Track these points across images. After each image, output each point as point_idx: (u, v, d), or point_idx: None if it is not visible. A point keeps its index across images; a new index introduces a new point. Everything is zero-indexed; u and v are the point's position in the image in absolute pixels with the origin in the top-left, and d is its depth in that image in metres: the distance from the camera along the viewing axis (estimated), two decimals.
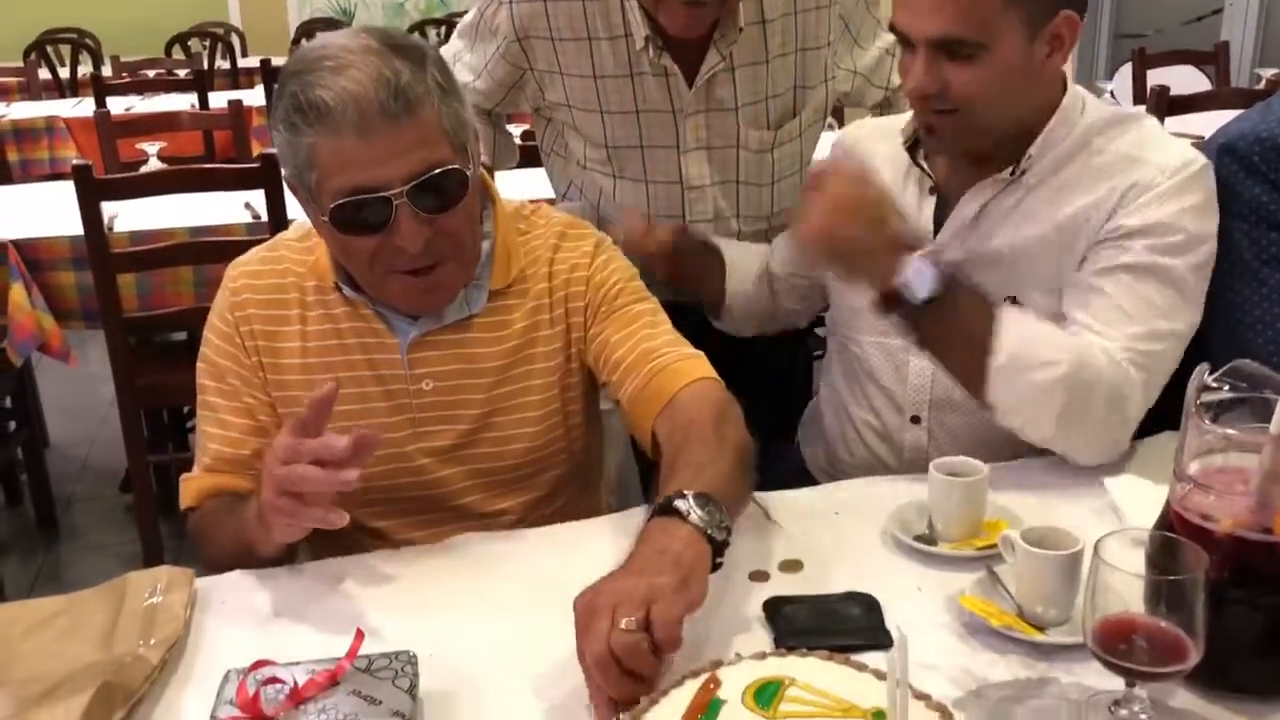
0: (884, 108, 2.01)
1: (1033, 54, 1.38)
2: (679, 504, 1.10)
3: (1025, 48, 1.37)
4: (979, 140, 1.45)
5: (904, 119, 1.55)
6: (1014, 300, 1.44)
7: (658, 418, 1.34)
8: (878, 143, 1.61)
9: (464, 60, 1.90)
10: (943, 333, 1.37)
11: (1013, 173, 1.45)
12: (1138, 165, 1.41)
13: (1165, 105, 3.24)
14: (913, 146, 1.54)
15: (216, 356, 1.41)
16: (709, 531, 1.09)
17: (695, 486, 1.12)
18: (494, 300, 1.41)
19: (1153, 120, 1.50)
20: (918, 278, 1.32)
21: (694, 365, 1.38)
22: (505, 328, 1.41)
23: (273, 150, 2.65)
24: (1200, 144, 1.52)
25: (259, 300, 1.40)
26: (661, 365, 1.37)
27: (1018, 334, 1.35)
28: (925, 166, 1.53)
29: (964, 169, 1.49)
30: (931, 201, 1.53)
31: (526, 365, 1.42)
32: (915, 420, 1.57)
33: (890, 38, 1.87)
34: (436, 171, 1.24)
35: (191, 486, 1.41)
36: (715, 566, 1.10)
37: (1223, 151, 1.48)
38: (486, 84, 1.89)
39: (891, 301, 1.36)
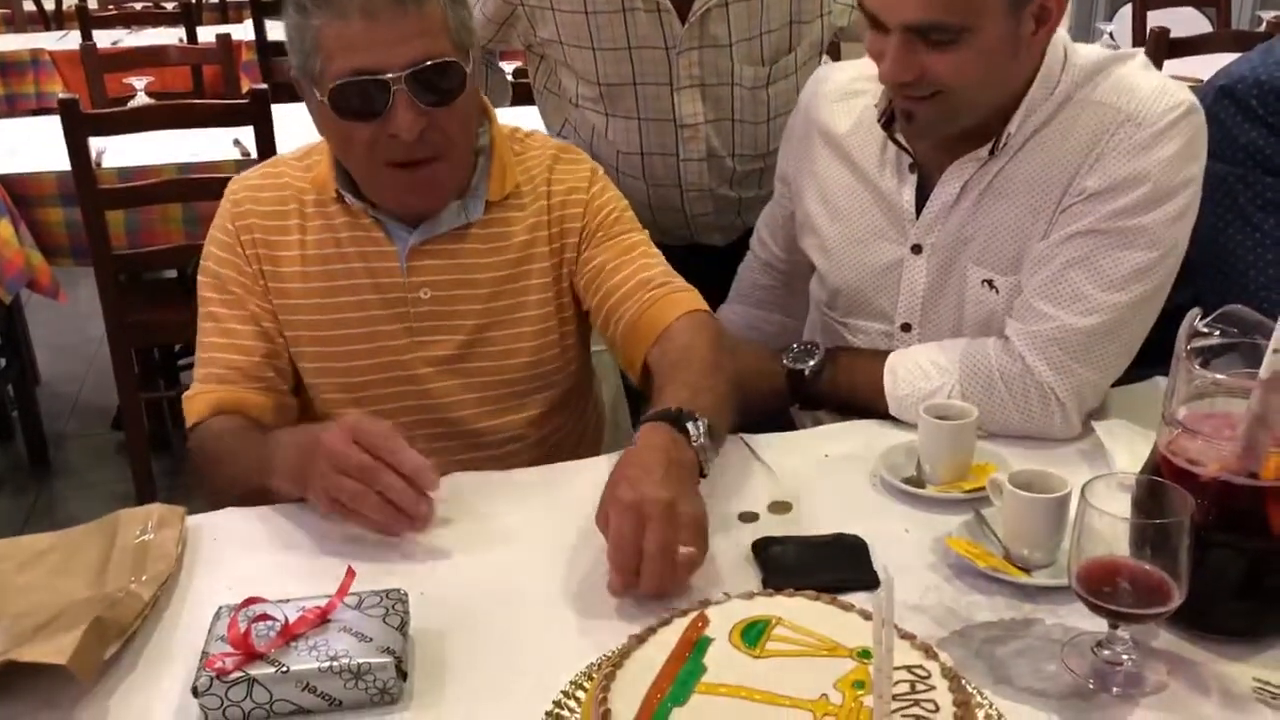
0: None
1: (1019, 32, 1.29)
2: (690, 426, 1.16)
3: (1010, 25, 1.28)
4: (962, 123, 1.38)
5: (870, 79, 1.45)
6: (989, 284, 1.42)
7: (652, 346, 1.37)
8: (841, 113, 1.54)
9: None
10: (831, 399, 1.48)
11: (992, 150, 1.39)
12: (1109, 117, 1.34)
13: (1165, 47, 3.21)
14: (888, 123, 1.45)
15: (218, 267, 1.42)
16: (704, 459, 1.17)
17: (696, 407, 1.19)
18: (490, 212, 1.43)
19: (1139, 60, 1.39)
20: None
21: (690, 298, 1.42)
22: (503, 239, 1.43)
23: (262, 86, 2.63)
24: (1198, 86, 1.50)
25: (260, 211, 1.42)
26: (659, 295, 1.41)
27: (896, 380, 1.41)
28: (903, 143, 1.45)
29: (944, 143, 1.42)
30: (913, 180, 1.46)
31: (524, 280, 1.44)
32: None
33: None
34: (436, 61, 1.26)
35: (200, 401, 1.39)
36: None
37: (1221, 94, 1.47)
38: (477, 20, 1.86)
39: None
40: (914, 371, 1.42)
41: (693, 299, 1.42)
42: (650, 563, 1.03)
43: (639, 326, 1.39)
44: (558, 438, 1.52)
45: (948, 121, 1.37)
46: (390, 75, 1.25)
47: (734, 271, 1.86)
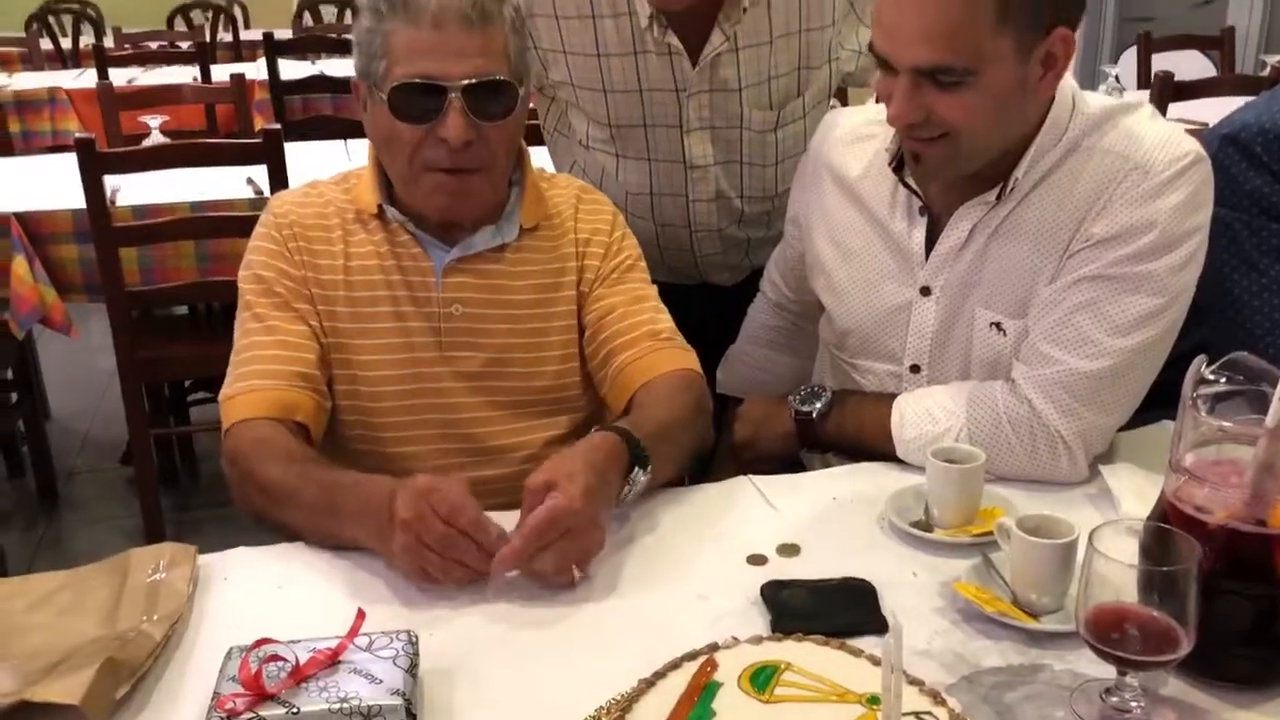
0: None
1: (1026, 76, 1.30)
2: (637, 469, 1.27)
3: (1018, 70, 1.29)
4: (970, 166, 1.39)
5: (880, 124, 1.46)
6: (998, 327, 1.43)
7: (641, 387, 1.45)
8: (852, 156, 1.55)
9: None
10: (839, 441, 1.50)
11: (999, 194, 1.40)
12: (1118, 165, 1.35)
13: (1169, 91, 3.24)
14: (899, 167, 1.46)
15: (263, 271, 1.45)
16: (622, 496, 1.27)
17: (654, 452, 1.29)
18: (523, 238, 1.49)
19: (1146, 109, 1.41)
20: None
21: (689, 357, 1.50)
22: (533, 264, 1.49)
23: (275, 126, 2.66)
24: (1203, 131, 1.51)
25: (305, 223, 1.48)
26: (661, 347, 1.48)
27: (903, 423, 1.43)
28: (913, 186, 1.46)
29: (953, 186, 1.43)
30: (922, 223, 1.47)
31: (550, 307, 1.50)
32: None
33: None
34: (492, 79, 1.35)
35: (242, 402, 1.37)
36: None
37: (1226, 141, 1.48)
38: None
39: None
40: (921, 414, 1.43)
41: (691, 359, 1.49)
42: (545, 563, 1.16)
43: (635, 370, 1.46)
44: None
45: (955, 164, 1.38)
46: (448, 84, 1.33)
47: (742, 310, 1.87)
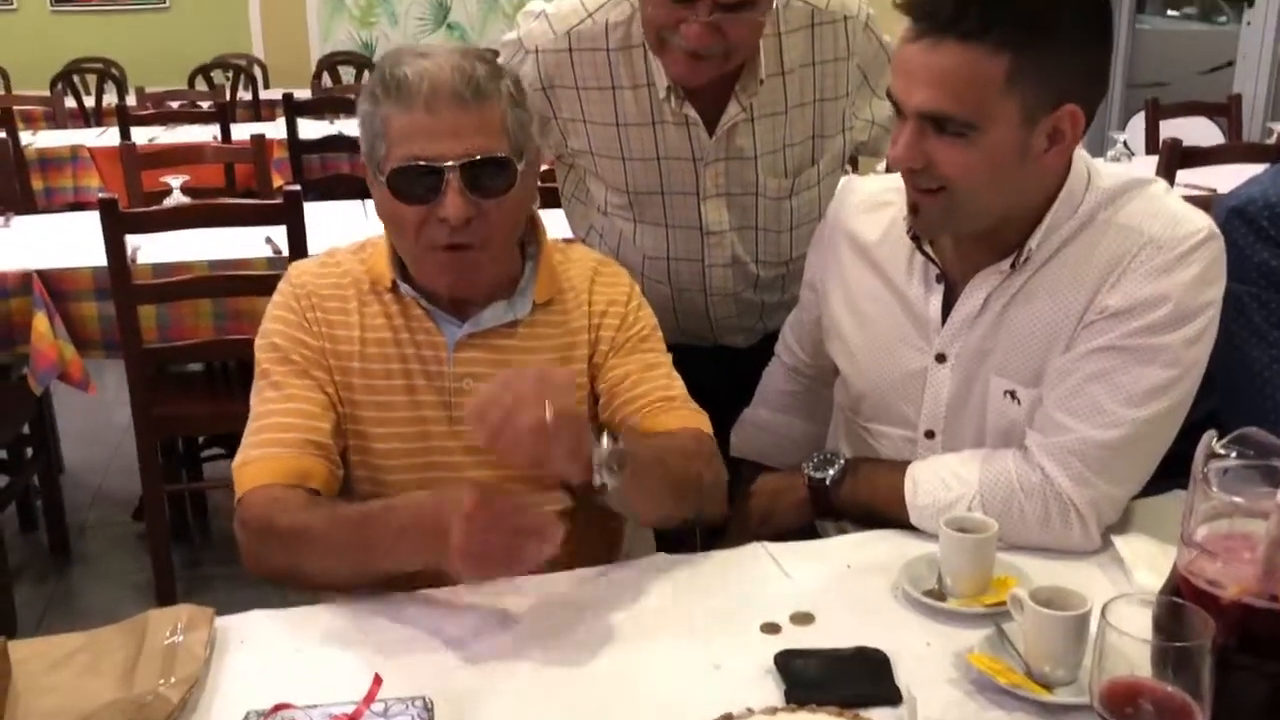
0: None
1: (1029, 145, 1.31)
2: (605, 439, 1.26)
3: (1020, 137, 1.30)
4: (965, 225, 1.41)
5: (898, 191, 1.47)
6: (1012, 395, 1.44)
7: (649, 435, 1.45)
8: (870, 223, 1.57)
9: None
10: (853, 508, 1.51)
11: (1014, 264, 1.41)
12: (1132, 240, 1.36)
13: (1177, 158, 3.26)
14: (916, 234, 1.48)
15: (280, 340, 1.46)
16: (597, 461, 1.25)
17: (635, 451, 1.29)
18: (536, 314, 1.50)
19: (1160, 185, 1.43)
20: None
21: (700, 419, 1.50)
22: (546, 339, 1.50)
23: (295, 187, 2.71)
24: (1212, 200, 1.53)
25: (322, 293, 1.49)
26: (673, 408, 1.48)
27: (916, 489, 1.44)
28: (930, 253, 1.48)
29: (969, 254, 1.45)
30: (939, 290, 1.49)
31: None
32: None
33: None
34: (488, 156, 1.36)
35: (257, 468, 1.37)
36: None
37: (1233, 214, 1.50)
38: None
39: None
40: (934, 482, 1.43)
41: (703, 421, 1.50)
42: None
43: (645, 423, 1.47)
44: (582, 531, 1.53)
45: (951, 220, 1.40)
46: (445, 164, 1.35)
47: (755, 373, 1.89)
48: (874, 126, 1.97)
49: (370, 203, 1.53)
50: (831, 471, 1.52)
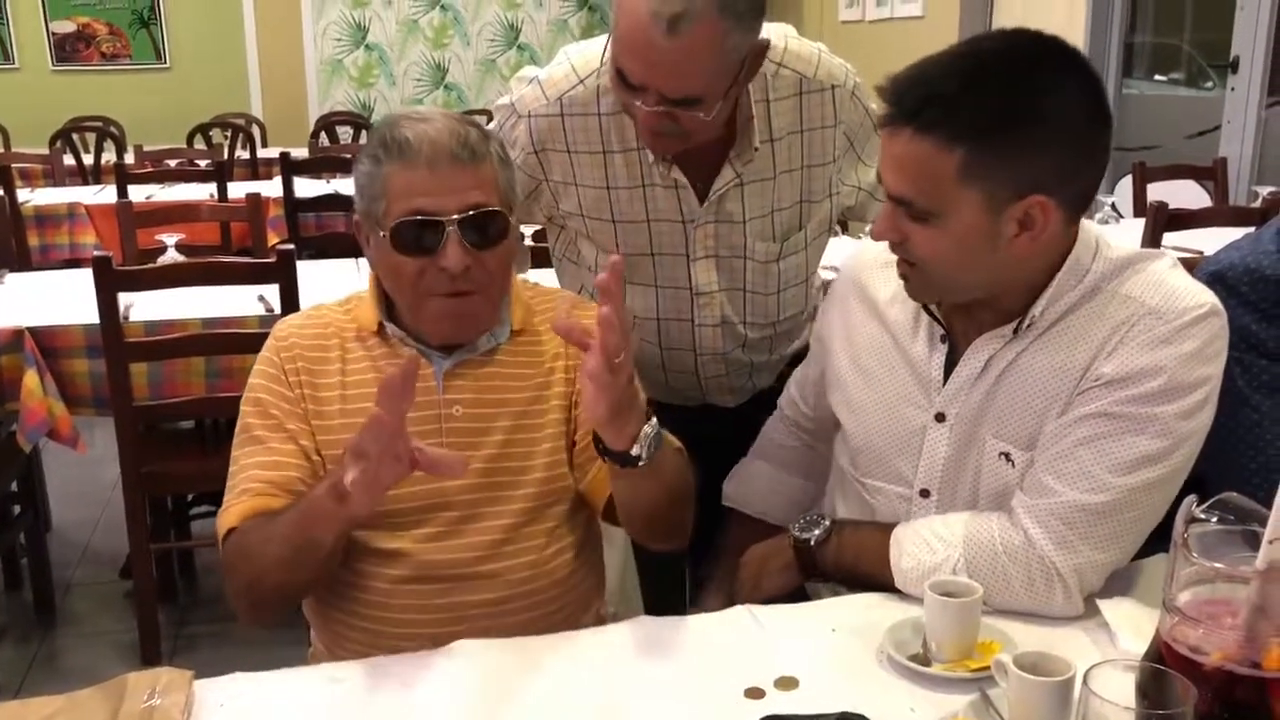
0: None
1: (998, 231, 1.34)
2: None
3: (986, 223, 1.33)
4: (951, 297, 1.45)
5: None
6: (1007, 457, 1.44)
7: None
8: (881, 280, 1.59)
9: None
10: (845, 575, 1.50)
11: (1016, 329, 1.43)
12: (1133, 309, 1.38)
13: (1164, 220, 3.29)
14: None
15: (261, 394, 1.52)
16: (642, 443, 1.33)
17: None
18: (514, 340, 1.57)
19: (1168, 260, 1.43)
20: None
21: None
22: (527, 365, 1.56)
23: (289, 246, 2.73)
24: (1195, 259, 1.54)
25: (304, 345, 1.54)
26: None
27: (901, 553, 1.43)
28: (936, 314, 1.51)
29: (973, 317, 1.47)
30: (943, 350, 1.51)
31: (544, 404, 1.55)
32: None
33: None
34: (485, 210, 1.45)
35: (232, 511, 1.45)
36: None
37: (1213, 279, 1.52)
38: None
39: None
40: (919, 545, 1.43)
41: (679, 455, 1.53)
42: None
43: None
44: (572, 562, 1.57)
45: (931, 292, 1.45)
46: (445, 218, 1.43)
47: (742, 428, 1.89)
48: (860, 192, 1.99)
49: (363, 260, 1.55)
50: (817, 532, 1.52)
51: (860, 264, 1.65)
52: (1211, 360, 1.37)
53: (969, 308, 1.47)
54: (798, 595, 1.59)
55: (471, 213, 1.44)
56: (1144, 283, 1.40)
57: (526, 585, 1.49)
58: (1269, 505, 0.96)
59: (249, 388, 1.54)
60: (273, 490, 1.45)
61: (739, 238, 1.87)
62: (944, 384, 1.49)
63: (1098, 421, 1.36)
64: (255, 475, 1.46)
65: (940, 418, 1.50)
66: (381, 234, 1.46)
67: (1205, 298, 1.38)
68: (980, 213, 1.33)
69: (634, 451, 1.32)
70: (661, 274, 1.89)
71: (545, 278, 2.13)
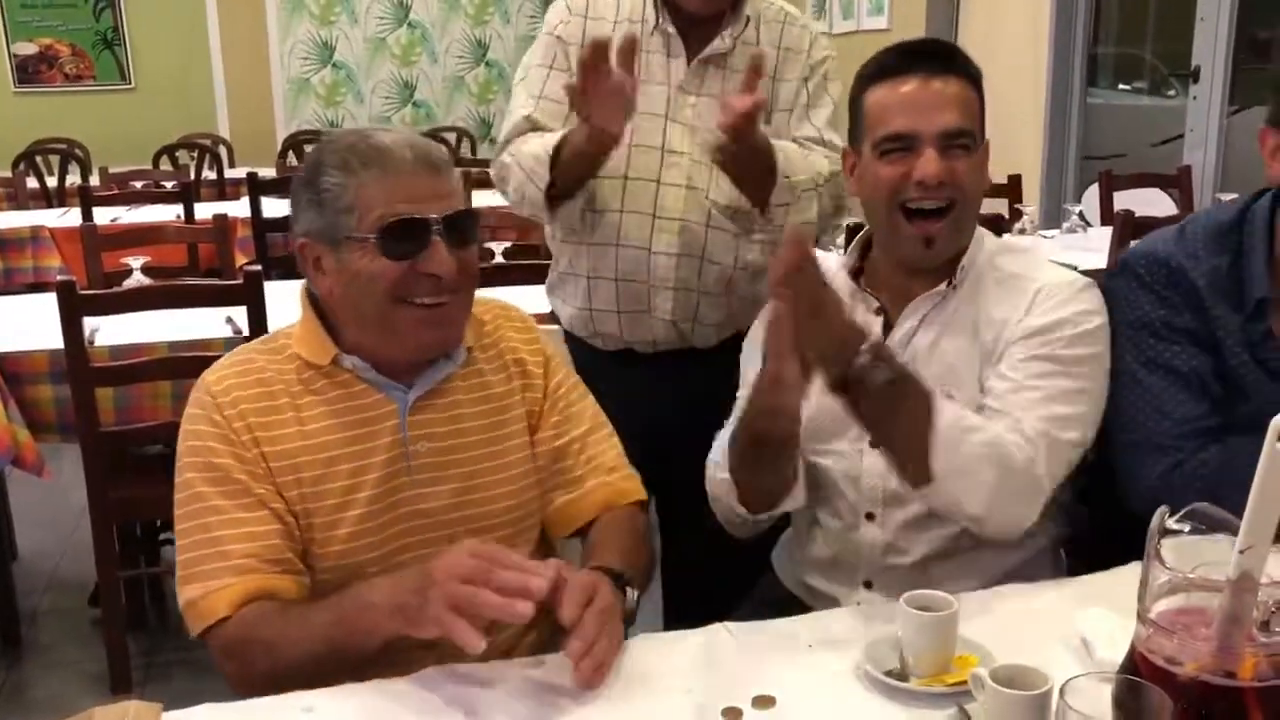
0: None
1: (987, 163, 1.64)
2: (627, 591, 1.38)
3: (985, 154, 1.64)
4: (956, 244, 1.64)
5: (835, 260, 1.75)
6: (949, 396, 1.56)
7: (590, 525, 1.58)
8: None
9: (526, 90, 2.12)
10: (894, 412, 1.52)
11: (949, 284, 1.63)
12: (1036, 280, 1.63)
13: (1130, 228, 3.33)
14: (855, 275, 1.73)
15: (214, 459, 1.42)
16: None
17: (631, 581, 1.40)
18: (468, 363, 1.56)
19: (1041, 250, 1.66)
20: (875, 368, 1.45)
21: (633, 487, 1.63)
22: (483, 389, 1.56)
23: (256, 267, 2.70)
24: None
25: (249, 395, 1.45)
26: (607, 484, 1.60)
27: (951, 409, 1.52)
28: (869, 290, 1.70)
29: (902, 288, 1.67)
30: (879, 321, 1.67)
31: (505, 429, 1.56)
32: (870, 517, 1.65)
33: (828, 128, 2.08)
34: (464, 210, 1.48)
35: (218, 599, 1.36)
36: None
37: (1122, 265, 1.69)
38: (546, 105, 2.08)
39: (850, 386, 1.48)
40: (958, 411, 1.53)
41: (634, 489, 1.62)
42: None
43: (582, 507, 1.58)
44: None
45: (956, 237, 1.63)
46: (430, 217, 1.43)
47: (722, 375, 1.83)
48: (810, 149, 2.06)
49: None
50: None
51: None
52: (1105, 318, 1.63)
53: (899, 280, 1.67)
54: (778, 612, 1.57)
55: (454, 213, 1.45)
56: (1034, 263, 1.69)
57: None
58: (1235, 511, 0.97)
59: (189, 450, 1.43)
60: (256, 567, 1.38)
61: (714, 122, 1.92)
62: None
63: (1039, 343, 1.57)
64: (229, 553, 1.38)
65: None
66: (355, 246, 1.42)
67: (1078, 275, 1.67)
68: (982, 136, 1.63)
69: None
70: (637, 137, 1.99)
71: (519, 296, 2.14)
